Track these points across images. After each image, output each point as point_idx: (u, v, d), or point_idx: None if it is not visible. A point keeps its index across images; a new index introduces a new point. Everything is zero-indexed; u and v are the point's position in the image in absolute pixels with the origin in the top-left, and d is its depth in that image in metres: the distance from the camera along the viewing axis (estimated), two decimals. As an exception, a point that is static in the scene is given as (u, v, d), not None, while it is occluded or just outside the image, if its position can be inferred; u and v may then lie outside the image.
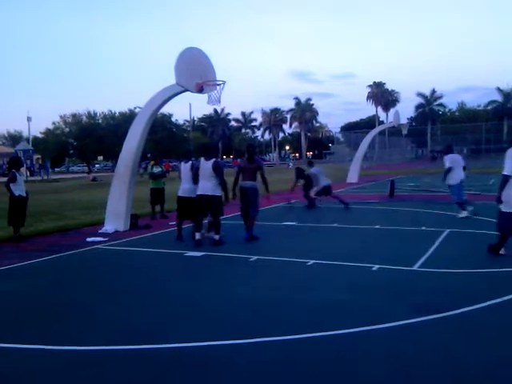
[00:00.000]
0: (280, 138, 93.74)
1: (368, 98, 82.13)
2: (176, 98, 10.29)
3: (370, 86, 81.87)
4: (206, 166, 8.18)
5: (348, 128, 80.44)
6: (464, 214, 10.74)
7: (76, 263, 7.48)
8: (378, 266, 6.36)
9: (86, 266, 7.32)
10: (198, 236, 8.26)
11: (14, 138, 70.10)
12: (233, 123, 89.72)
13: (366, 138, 26.76)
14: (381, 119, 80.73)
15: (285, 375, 3.42)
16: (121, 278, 6.48)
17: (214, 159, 8.28)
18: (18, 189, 9.46)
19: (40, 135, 62.76)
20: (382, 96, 79.75)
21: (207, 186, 8.15)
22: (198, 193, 8.24)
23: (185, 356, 3.82)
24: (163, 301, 5.33)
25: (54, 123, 62.37)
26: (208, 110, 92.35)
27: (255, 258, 7.14)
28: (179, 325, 4.52)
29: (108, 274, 6.84)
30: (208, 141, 69.59)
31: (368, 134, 27.64)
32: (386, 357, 3.67)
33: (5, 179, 9.81)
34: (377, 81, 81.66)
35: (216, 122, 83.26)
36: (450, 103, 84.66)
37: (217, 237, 8.25)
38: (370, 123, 73.81)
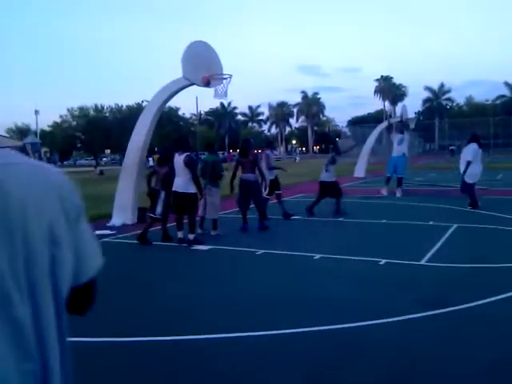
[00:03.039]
0: (287, 132, 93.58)
1: (375, 92, 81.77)
2: (183, 91, 10.30)
3: (377, 79, 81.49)
4: (178, 160, 7.79)
5: (355, 122, 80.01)
6: None
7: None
8: (385, 261, 6.36)
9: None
10: (179, 234, 8.01)
11: (22, 131, 70.28)
12: (239, 117, 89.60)
13: (373, 132, 26.61)
14: (388, 113, 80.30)
15: (289, 368, 3.44)
16: (127, 271, 6.51)
17: (186, 153, 7.78)
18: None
19: (48, 128, 62.95)
20: (390, 90, 79.34)
21: (179, 182, 7.79)
22: (172, 189, 7.91)
23: (189, 348, 3.85)
24: (168, 294, 5.36)
25: (61, 116, 62.58)
26: (215, 103, 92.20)
27: (262, 251, 7.16)
28: (183, 318, 4.54)
29: (115, 266, 6.87)
30: (213, 135, 69.48)
31: (375, 128, 27.47)
32: (393, 351, 3.68)
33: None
34: (384, 75, 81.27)
35: (222, 115, 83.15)
36: (458, 97, 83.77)
37: (191, 236, 7.82)
38: (377, 117, 73.45)
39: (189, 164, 7.69)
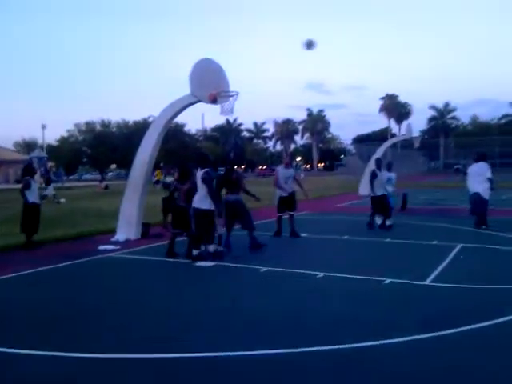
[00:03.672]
0: (292, 149, 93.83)
1: (380, 110, 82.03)
2: (189, 107, 10.38)
3: (382, 98, 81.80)
4: (198, 176, 7.84)
5: (360, 140, 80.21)
6: None
7: (87, 271, 7.53)
8: (389, 280, 6.32)
9: (97, 274, 7.37)
10: (211, 249, 7.97)
11: (29, 146, 70.80)
12: (245, 133, 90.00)
13: (378, 150, 26.60)
14: (393, 131, 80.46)
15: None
16: (131, 287, 6.50)
17: (205, 169, 7.77)
18: (32, 196, 9.58)
19: (55, 143, 63.42)
20: (395, 108, 79.55)
21: (196, 197, 7.80)
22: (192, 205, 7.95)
23: (191, 365, 3.83)
24: (171, 310, 5.33)
25: (68, 131, 63.11)
26: (220, 120, 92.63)
27: (265, 269, 7.13)
28: (185, 334, 4.52)
29: (119, 282, 6.87)
30: (218, 151, 69.73)
31: (380, 146, 27.48)
32: (396, 371, 3.64)
33: (19, 186, 9.96)
34: (389, 93, 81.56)
35: (228, 132, 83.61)
36: (463, 116, 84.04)
37: (195, 252, 7.82)
38: (382, 135, 73.55)
39: (205, 180, 7.68)
